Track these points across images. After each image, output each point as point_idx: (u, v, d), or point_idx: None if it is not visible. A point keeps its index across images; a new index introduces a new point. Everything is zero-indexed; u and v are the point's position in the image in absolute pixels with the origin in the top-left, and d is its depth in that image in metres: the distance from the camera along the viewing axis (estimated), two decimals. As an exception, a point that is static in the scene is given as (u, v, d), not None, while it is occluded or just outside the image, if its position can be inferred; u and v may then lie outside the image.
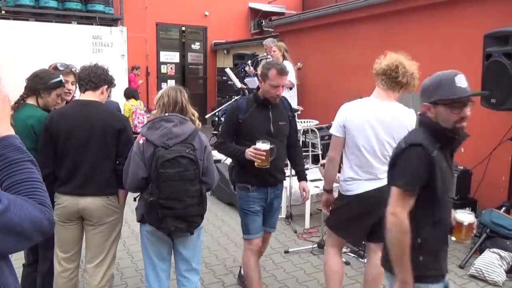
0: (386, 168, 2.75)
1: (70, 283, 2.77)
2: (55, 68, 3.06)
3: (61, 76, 2.90)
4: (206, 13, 12.95)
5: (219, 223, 5.03)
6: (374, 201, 2.72)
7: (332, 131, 2.90)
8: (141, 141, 2.49)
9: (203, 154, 2.55)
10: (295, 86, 6.57)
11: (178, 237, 2.60)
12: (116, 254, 2.89)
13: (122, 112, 8.22)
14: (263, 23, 11.41)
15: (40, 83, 2.78)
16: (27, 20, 9.01)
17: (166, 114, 2.54)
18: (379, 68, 2.77)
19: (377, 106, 2.79)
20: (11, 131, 1.27)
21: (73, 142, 2.61)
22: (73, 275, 2.79)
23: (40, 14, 9.33)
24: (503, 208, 4.21)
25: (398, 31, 6.15)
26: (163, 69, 12.87)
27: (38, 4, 9.35)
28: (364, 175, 2.78)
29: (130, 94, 8.49)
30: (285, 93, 6.46)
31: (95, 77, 2.70)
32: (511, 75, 3.83)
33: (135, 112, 8.36)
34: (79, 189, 2.63)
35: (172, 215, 2.40)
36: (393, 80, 2.73)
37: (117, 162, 2.70)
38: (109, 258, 2.77)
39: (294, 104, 6.57)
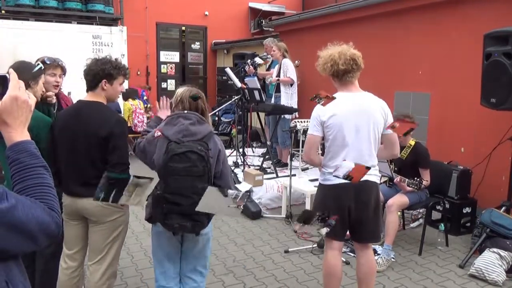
0: (369, 163, 2.78)
1: (71, 281, 2.79)
2: (43, 62, 3.07)
3: (39, 62, 2.89)
4: (206, 13, 12.93)
5: (219, 223, 5.02)
6: (350, 193, 2.79)
7: (310, 131, 2.91)
8: (156, 134, 2.47)
9: (218, 157, 2.51)
10: (295, 83, 6.56)
11: (187, 241, 2.58)
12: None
13: (122, 112, 8.25)
14: (263, 23, 11.39)
15: (27, 75, 2.68)
16: (27, 20, 8.99)
17: (185, 112, 2.52)
18: (337, 69, 2.85)
19: (354, 97, 2.83)
20: (27, 137, 1.29)
21: (62, 146, 2.61)
22: (75, 274, 2.80)
23: (40, 14, 9.31)
24: (503, 208, 4.20)
25: (398, 31, 6.14)
26: (163, 69, 12.85)
27: (38, 3, 9.33)
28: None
29: (127, 95, 8.47)
30: (285, 90, 6.51)
31: (89, 75, 2.64)
32: (511, 75, 3.83)
33: (135, 112, 8.37)
34: (72, 191, 2.64)
35: (177, 212, 2.35)
36: (355, 70, 2.84)
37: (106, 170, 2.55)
38: (110, 257, 2.76)
39: (294, 101, 6.58)
